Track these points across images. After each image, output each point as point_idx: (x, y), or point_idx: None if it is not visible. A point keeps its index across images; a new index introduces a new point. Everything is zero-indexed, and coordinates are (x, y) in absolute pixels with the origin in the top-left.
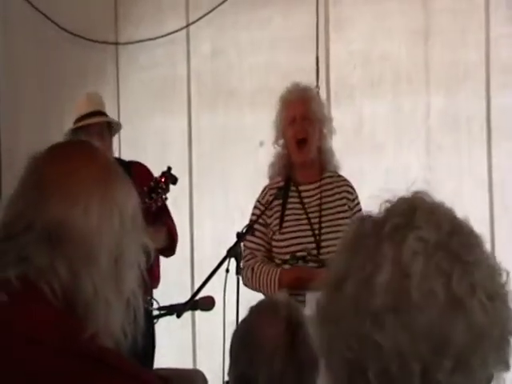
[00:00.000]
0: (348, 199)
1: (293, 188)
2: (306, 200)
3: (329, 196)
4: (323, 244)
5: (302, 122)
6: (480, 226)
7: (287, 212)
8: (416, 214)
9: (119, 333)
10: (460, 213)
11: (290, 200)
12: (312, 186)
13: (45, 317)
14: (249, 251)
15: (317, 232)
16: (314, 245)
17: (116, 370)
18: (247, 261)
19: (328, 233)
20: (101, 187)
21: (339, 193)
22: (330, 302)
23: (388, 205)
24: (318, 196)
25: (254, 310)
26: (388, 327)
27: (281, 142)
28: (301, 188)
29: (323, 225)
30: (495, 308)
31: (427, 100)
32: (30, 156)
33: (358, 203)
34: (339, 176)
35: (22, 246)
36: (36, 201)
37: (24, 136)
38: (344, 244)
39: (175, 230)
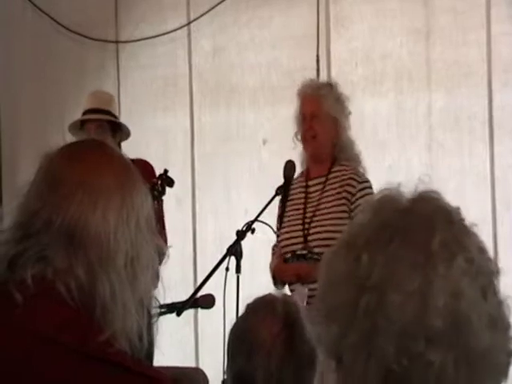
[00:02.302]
0: (349, 192)
1: (303, 184)
2: (310, 195)
3: (329, 191)
4: (309, 238)
5: (311, 120)
6: (482, 224)
7: (291, 207)
8: (455, 227)
9: (135, 336)
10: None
11: (297, 196)
12: (318, 181)
13: (60, 317)
14: (274, 245)
15: (306, 227)
16: (301, 243)
17: (132, 372)
18: (271, 255)
19: (316, 233)
20: (119, 190)
21: (342, 186)
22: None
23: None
24: (320, 192)
25: (251, 308)
26: (444, 347)
27: (299, 135)
28: (309, 183)
29: (313, 224)
30: None
31: (429, 98)
32: (43, 155)
33: (366, 194)
34: (349, 168)
35: (41, 246)
36: (53, 201)
37: (24, 134)
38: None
39: (165, 239)
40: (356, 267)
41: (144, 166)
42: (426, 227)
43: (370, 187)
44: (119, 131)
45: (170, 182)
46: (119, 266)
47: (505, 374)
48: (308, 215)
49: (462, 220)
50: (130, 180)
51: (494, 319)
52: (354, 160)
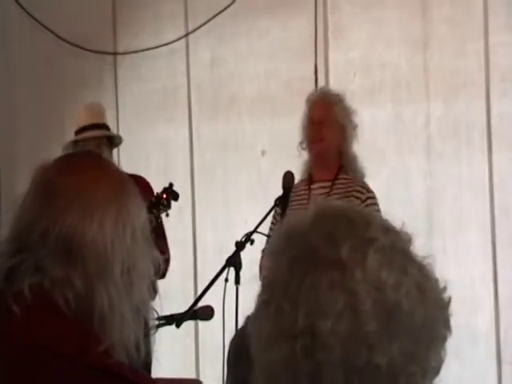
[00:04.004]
0: (357, 198)
1: (305, 187)
2: (313, 198)
3: (336, 195)
4: None
5: (320, 124)
6: (481, 232)
7: (294, 211)
8: (355, 226)
9: (132, 346)
10: (461, 219)
11: (299, 197)
12: (323, 185)
13: (58, 328)
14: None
15: None
16: None
17: (130, 383)
18: (261, 258)
19: None
20: (115, 202)
21: (349, 191)
22: (306, 345)
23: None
24: (326, 195)
25: (251, 319)
26: (384, 345)
27: (304, 144)
28: (312, 186)
29: None
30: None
31: (427, 108)
32: (38, 167)
33: (372, 204)
34: (356, 179)
35: (37, 258)
36: (49, 213)
37: (23, 147)
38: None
39: (167, 253)
40: (280, 319)
41: (140, 183)
42: (331, 242)
43: (374, 197)
44: (113, 140)
45: (175, 196)
46: (116, 275)
47: (447, 328)
48: None
49: (358, 213)
50: (125, 192)
51: (421, 285)
52: (360, 173)
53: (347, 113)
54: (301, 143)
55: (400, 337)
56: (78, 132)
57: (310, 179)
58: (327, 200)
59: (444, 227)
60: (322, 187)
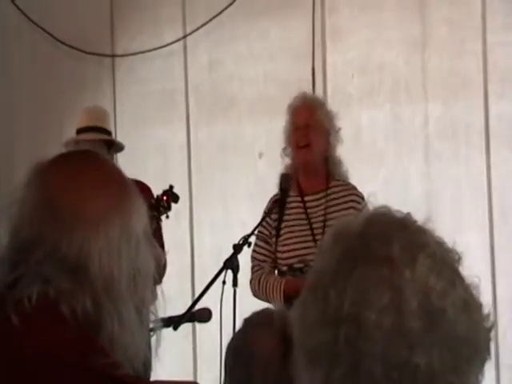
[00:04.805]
0: (356, 209)
1: (298, 198)
2: (310, 210)
3: (334, 206)
4: None
5: (305, 129)
6: (479, 233)
7: (290, 223)
8: (410, 231)
9: (140, 364)
10: (460, 220)
11: (294, 211)
12: (317, 196)
13: (61, 334)
14: (256, 262)
15: (319, 240)
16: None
17: None
18: (254, 272)
19: None
20: (119, 211)
21: (346, 202)
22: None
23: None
24: (323, 206)
25: (248, 322)
26: (426, 345)
27: (288, 150)
28: (306, 198)
29: None
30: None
31: (425, 108)
32: (34, 169)
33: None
34: (347, 184)
35: (43, 273)
36: (52, 233)
37: (21, 149)
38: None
39: (164, 258)
40: (326, 306)
41: (141, 187)
42: (383, 241)
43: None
44: (113, 148)
45: (176, 198)
46: (124, 289)
47: (487, 351)
48: (317, 231)
49: (414, 222)
50: (127, 196)
51: (467, 302)
52: (344, 176)
53: (330, 117)
54: (284, 149)
55: (441, 343)
56: (77, 133)
57: (299, 190)
58: (383, 208)
59: (442, 228)
60: (317, 199)
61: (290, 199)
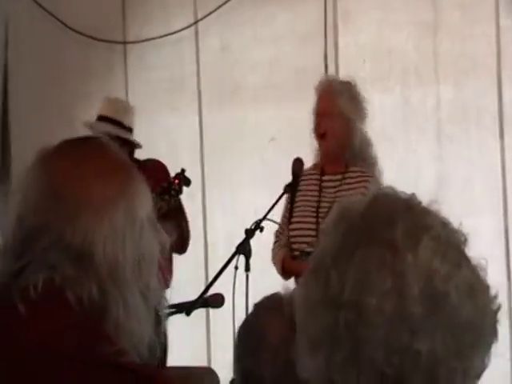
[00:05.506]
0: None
1: (317, 176)
2: (325, 190)
3: (346, 190)
4: None
5: (323, 117)
6: (493, 216)
7: (302, 199)
8: (414, 213)
9: (145, 348)
10: (472, 203)
11: (311, 188)
12: (334, 178)
13: (63, 320)
14: (276, 233)
15: (320, 221)
16: (313, 237)
17: (136, 373)
18: (274, 243)
19: None
20: (123, 197)
21: (358, 188)
22: (349, 318)
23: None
24: (337, 189)
25: (258, 307)
26: (427, 332)
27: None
28: (324, 178)
29: None
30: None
31: (437, 92)
32: (39, 156)
33: None
34: (365, 172)
35: (48, 260)
36: (57, 222)
37: (32, 136)
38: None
39: (187, 226)
40: (327, 288)
41: (158, 167)
42: (386, 222)
43: None
44: (128, 145)
45: (187, 182)
46: (128, 275)
47: (494, 334)
48: (322, 210)
49: (419, 204)
50: (131, 182)
51: (472, 285)
52: (369, 162)
53: (354, 104)
54: (312, 130)
55: (444, 328)
56: (98, 119)
57: (322, 170)
58: (387, 189)
59: (455, 211)
60: (333, 180)
61: (307, 177)
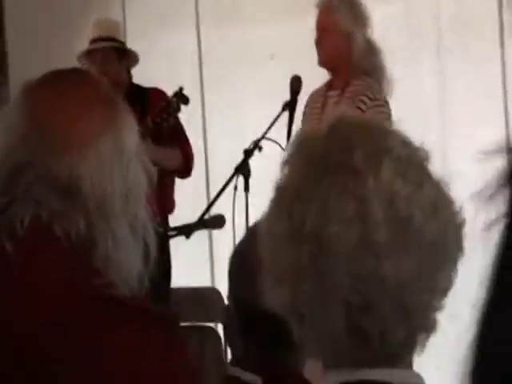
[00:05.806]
0: (360, 109)
1: (322, 93)
2: (327, 106)
3: (344, 105)
4: None
5: (321, 33)
6: (495, 129)
7: (310, 116)
8: (373, 135)
9: (135, 281)
10: (475, 115)
11: (314, 105)
12: (335, 93)
13: (52, 259)
14: None
15: None
16: None
17: (134, 309)
18: None
19: None
20: (109, 129)
21: (354, 102)
22: (315, 249)
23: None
24: (335, 104)
25: (252, 231)
26: (392, 257)
27: None
28: (329, 93)
29: None
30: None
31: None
32: (22, 88)
33: (378, 112)
34: (365, 85)
35: (34, 195)
36: (43, 156)
37: (31, 61)
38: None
39: (190, 151)
40: (290, 221)
41: (157, 94)
42: (346, 148)
43: (382, 105)
44: (126, 57)
45: (185, 100)
46: (116, 207)
47: (459, 249)
48: None
49: (378, 125)
50: (117, 114)
51: (435, 203)
52: (375, 72)
53: (354, 17)
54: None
55: (409, 251)
56: (89, 44)
57: (329, 85)
58: (346, 112)
59: (458, 124)
60: (335, 96)
61: (318, 93)
